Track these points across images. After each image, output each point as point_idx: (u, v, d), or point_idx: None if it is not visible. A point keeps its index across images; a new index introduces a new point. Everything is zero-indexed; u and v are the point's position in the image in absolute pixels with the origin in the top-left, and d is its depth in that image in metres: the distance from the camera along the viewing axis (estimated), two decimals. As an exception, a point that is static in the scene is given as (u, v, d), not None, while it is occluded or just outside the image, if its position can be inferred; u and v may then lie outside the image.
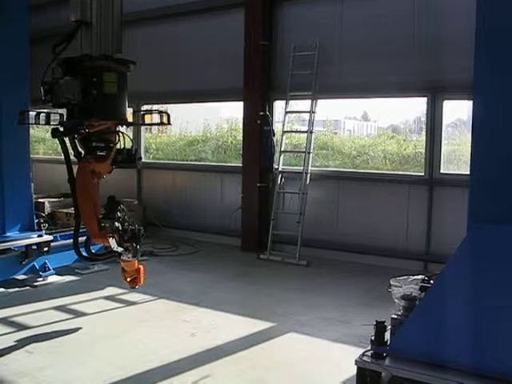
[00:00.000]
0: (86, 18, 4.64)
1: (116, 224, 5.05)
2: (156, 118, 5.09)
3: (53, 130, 4.80)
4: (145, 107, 12.05)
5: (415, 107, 9.56)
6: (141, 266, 5.86)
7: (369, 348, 3.62)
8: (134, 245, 5.30)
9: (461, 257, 3.75)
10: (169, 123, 5.12)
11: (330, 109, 10.62)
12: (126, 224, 5.17)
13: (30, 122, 4.94)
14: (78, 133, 4.69)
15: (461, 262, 3.74)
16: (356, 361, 3.58)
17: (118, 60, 4.76)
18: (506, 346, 3.29)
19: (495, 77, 3.93)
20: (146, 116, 5.15)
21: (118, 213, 5.12)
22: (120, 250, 5.27)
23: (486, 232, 3.78)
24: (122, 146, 5.08)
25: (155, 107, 11.02)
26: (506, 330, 3.41)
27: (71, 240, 7.78)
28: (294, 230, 9.06)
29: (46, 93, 4.58)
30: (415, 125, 10.29)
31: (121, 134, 5.14)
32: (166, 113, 5.00)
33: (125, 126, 5.41)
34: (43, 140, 14.74)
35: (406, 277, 4.06)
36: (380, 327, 3.59)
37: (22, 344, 5.26)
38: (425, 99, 8.44)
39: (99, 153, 4.93)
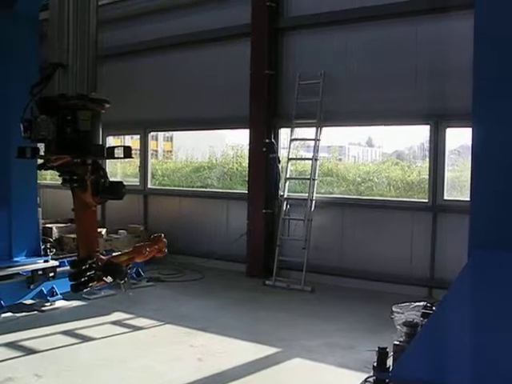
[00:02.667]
0: (63, 60, 4.88)
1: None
2: (120, 153, 5.22)
3: (38, 165, 5.14)
4: (152, 134, 12.32)
5: (420, 133, 9.66)
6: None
7: (371, 374, 3.69)
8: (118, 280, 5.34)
9: (461, 283, 3.82)
10: (130, 156, 5.28)
11: (335, 135, 10.76)
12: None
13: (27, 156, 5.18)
14: (47, 167, 4.99)
15: (461, 289, 3.80)
16: (359, 386, 3.64)
17: (92, 99, 4.97)
18: (508, 372, 3.35)
19: (494, 103, 4.03)
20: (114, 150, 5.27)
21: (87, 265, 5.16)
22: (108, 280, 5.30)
23: (487, 258, 3.85)
24: (103, 180, 5.21)
25: (155, 136, 11.17)
26: (508, 357, 3.47)
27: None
28: (299, 256, 9.14)
29: (25, 129, 4.87)
30: (420, 151, 10.41)
31: (99, 167, 5.26)
32: (128, 147, 5.18)
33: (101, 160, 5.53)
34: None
35: (407, 303, 4.14)
36: (382, 353, 3.66)
37: (30, 368, 5.33)
38: (428, 127, 8.57)
39: (74, 184, 5.11)
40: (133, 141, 13.24)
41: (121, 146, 5.04)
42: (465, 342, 3.61)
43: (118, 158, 5.04)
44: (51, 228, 10.90)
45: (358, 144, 15.02)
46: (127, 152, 5.05)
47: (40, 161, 5.35)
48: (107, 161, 9.85)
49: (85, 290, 5.13)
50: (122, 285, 5.42)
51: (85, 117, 4.83)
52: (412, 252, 8.62)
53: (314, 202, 9.32)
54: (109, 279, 5.09)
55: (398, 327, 3.96)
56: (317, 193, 9.43)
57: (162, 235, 5.69)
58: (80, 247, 5.24)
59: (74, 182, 5.03)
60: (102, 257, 5.02)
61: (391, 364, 3.74)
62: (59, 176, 5.22)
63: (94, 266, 4.96)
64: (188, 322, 6.96)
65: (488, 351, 3.55)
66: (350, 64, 9.12)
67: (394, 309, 4.12)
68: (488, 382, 3.38)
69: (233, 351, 6.00)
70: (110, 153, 5.01)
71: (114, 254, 5.46)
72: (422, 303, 4.12)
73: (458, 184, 8.93)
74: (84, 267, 4.95)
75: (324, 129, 9.50)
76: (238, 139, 12.79)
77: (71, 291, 5.24)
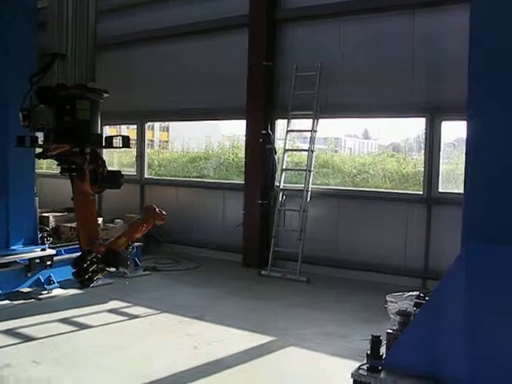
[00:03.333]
0: (62, 50, 4.91)
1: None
2: (119, 142, 5.26)
3: (36, 154, 5.24)
4: (149, 124, 12.35)
5: (416, 126, 9.72)
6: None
7: (365, 361, 3.75)
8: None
9: (454, 274, 3.90)
10: (128, 146, 5.31)
11: (331, 127, 10.80)
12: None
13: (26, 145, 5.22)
14: (45, 156, 5.02)
15: (454, 279, 3.88)
16: (352, 374, 3.70)
17: (91, 89, 5.01)
18: (498, 359, 3.44)
19: (489, 98, 4.09)
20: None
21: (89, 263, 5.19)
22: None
23: (480, 249, 3.91)
24: (101, 169, 5.24)
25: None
26: (497, 344, 3.55)
27: (75, 254, 8.02)
28: (294, 246, 9.21)
29: (24, 118, 4.90)
30: (416, 143, 10.47)
31: (97, 157, 5.29)
32: (126, 137, 5.21)
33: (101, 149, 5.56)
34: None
35: (401, 293, 4.19)
36: (376, 341, 3.72)
37: (29, 354, 5.40)
38: (423, 119, 8.63)
39: (73, 173, 5.15)
40: (129, 130, 13.26)
41: (119, 136, 5.06)
42: (456, 331, 3.69)
43: (116, 147, 5.07)
44: (48, 217, 10.94)
45: (354, 136, 15.05)
46: (125, 142, 5.08)
47: (38, 150, 5.38)
48: (104, 150, 9.88)
49: (91, 285, 5.16)
50: (126, 270, 5.45)
51: (84, 106, 4.85)
52: (406, 243, 8.71)
53: (309, 193, 9.37)
54: (112, 269, 5.14)
55: (392, 316, 4.02)
56: (313, 184, 9.49)
57: (154, 206, 5.69)
58: (80, 236, 5.28)
59: (73, 171, 5.07)
60: (101, 248, 5.05)
61: (384, 352, 3.81)
62: (58, 165, 5.25)
63: (94, 260, 5.00)
64: (184, 310, 7.03)
65: (478, 340, 3.64)
66: (347, 56, 9.16)
67: (387, 298, 4.18)
68: (478, 369, 3.47)
69: (228, 339, 6.08)
70: (109, 142, 5.05)
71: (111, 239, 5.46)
72: (415, 293, 4.19)
73: (452, 177, 9.00)
74: (86, 264, 4.99)
75: (320, 120, 9.55)
76: (234, 130, 12.85)
77: (79, 287, 5.27)
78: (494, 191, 4.00)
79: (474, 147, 4.17)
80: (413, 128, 10.14)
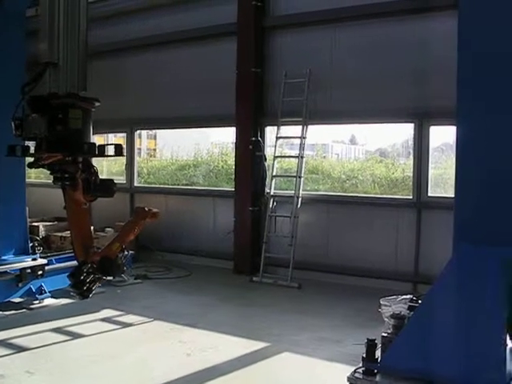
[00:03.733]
0: (54, 59, 4.92)
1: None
2: (111, 151, 5.27)
3: (29, 163, 5.18)
4: (138, 132, 12.36)
5: (403, 131, 9.82)
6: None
7: (360, 365, 3.79)
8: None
9: (446, 277, 3.94)
10: (122, 155, 5.32)
11: (318, 133, 10.86)
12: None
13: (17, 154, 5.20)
14: (38, 165, 5.01)
15: (446, 282, 3.93)
16: (348, 377, 3.74)
17: (83, 98, 5.03)
18: (490, 360, 3.48)
19: (477, 102, 4.15)
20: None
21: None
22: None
23: (471, 252, 3.96)
24: (93, 177, 5.24)
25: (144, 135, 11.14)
26: (488, 345, 3.60)
27: (66, 263, 8.01)
28: (285, 252, 9.24)
29: (16, 128, 4.90)
30: (403, 148, 10.55)
31: (90, 165, 5.30)
32: (119, 145, 5.22)
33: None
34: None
35: (395, 296, 4.24)
36: (371, 345, 3.76)
37: (22, 365, 5.37)
38: (412, 125, 8.71)
39: (66, 182, 5.15)
40: (116, 139, 13.24)
41: (112, 144, 5.07)
42: (449, 333, 3.74)
43: (109, 156, 5.08)
44: (38, 226, 10.90)
45: (341, 142, 15.14)
46: (119, 150, 5.09)
47: (30, 159, 5.36)
48: (93, 159, 9.87)
49: (91, 295, 5.15)
50: (124, 276, 5.42)
51: (76, 115, 4.86)
52: (397, 248, 8.76)
53: (300, 199, 9.42)
54: (109, 277, 5.15)
55: (386, 319, 4.06)
56: (302, 190, 9.54)
57: (145, 207, 5.69)
58: (75, 246, 5.27)
59: (66, 180, 5.07)
60: (95, 257, 5.04)
61: (380, 355, 3.85)
62: (50, 174, 5.24)
63: (90, 270, 4.99)
64: (176, 318, 7.02)
65: (471, 341, 3.68)
66: (335, 63, 9.23)
67: (381, 302, 4.22)
68: (471, 369, 3.51)
69: (222, 346, 6.08)
70: (102, 151, 5.05)
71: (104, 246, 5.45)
72: (408, 296, 4.23)
73: (441, 181, 9.09)
74: (82, 277, 4.98)
75: (309, 127, 9.60)
76: (223, 137, 12.87)
77: (79, 299, 5.24)
78: (483, 193, 4.06)
79: (462, 151, 4.23)
80: (400, 133, 10.24)
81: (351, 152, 14.46)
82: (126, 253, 5.41)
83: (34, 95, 4.91)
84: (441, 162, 9.44)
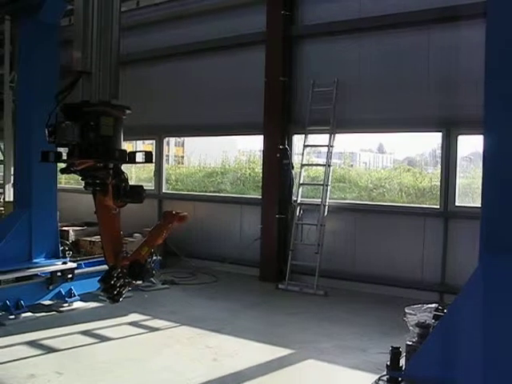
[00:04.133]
0: (87, 68, 5.07)
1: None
2: (140, 157, 5.38)
3: (61, 169, 5.32)
4: (166, 139, 12.53)
5: (431, 140, 9.78)
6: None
7: (384, 373, 3.81)
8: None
9: (472, 287, 3.95)
10: (151, 162, 5.43)
11: (346, 141, 10.88)
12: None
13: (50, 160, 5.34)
14: (70, 171, 5.14)
15: (472, 292, 3.93)
16: (372, 384, 3.77)
17: (114, 105, 5.15)
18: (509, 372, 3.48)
19: (506, 112, 4.15)
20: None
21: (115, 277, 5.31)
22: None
23: (497, 263, 3.96)
24: (124, 184, 5.35)
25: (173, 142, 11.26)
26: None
27: (95, 267, 8.18)
28: (311, 260, 9.27)
29: (50, 134, 5.03)
30: (431, 158, 10.52)
31: (120, 172, 5.41)
32: (149, 152, 5.33)
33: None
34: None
35: (420, 305, 4.26)
36: (395, 353, 3.79)
37: (52, 365, 5.51)
38: (440, 134, 8.68)
39: (97, 188, 5.27)
40: (144, 146, 13.44)
41: (142, 151, 5.19)
42: (474, 343, 3.74)
43: (139, 162, 5.19)
44: (68, 231, 11.11)
45: (368, 150, 15.11)
46: (149, 157, 5.21)
47: (62, 165, 5.50)
48: (123, 165, 10.05)
49: (121, 299, 5.27)
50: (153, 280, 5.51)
51: (108, 123, 4.99)
52: (423, 257, 8.72)
53: (326, 207, 9.44)
54: (138, 281, 5.26)
55: (411, 328, 4.09)
56: (329, 198, 9.56)
57: (173, 211, 5.82)
58: (105, 250, 5.39)
59: (96, 185, 5.19)
60: (125, 262, 5.15)
61: (404, 363, 3.87)
62: (81, 180, 5.38)
63: (120, 275, 5.11)
64: (203, 323, 7.10)
65: (496, 352, 3.67)
66: (363, 72, 9.26)
67: (406, 310, 4.25)
68: (495, 381, 3.51)
69: (247, 352, 6.14)
70: (132, 158, 5.17)
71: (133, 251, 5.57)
72: (433, 305, 4.25)
73: (469, 190, 9.03)
74: (112, 281, 5.10)
75: (339, 135, 9.64)
76: (251, 145, 12.98)
77: (110, 303, 5.37)
78: (508, 204, 4.06)
79: (489, 160, 4.23)
80: (428, 142, 10.20)
81: (379, 161, 14.43)
82: (154, 257, 5.53)
83: (68, 103, 5.06)
84: (469, 171, 9.38)
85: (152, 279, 5.66)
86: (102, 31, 5.25)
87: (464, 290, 4.00)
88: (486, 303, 3.87)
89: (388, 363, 3.81)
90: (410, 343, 4.00)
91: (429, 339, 3.90)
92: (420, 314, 4.16)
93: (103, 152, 5.01)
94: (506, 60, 4.03)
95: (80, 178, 5.45)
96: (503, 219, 4.00)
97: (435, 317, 4.15)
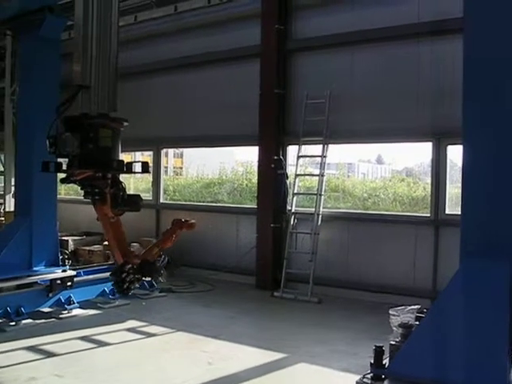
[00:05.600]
0: (86, 82, 5.29)
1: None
2: (138, 168, 5.62)
3: (61, 179, 5.55)
4: (165, 151, 12.74)
5: (429, 150, 9.94)
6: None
7: (369, 371, 4.00)
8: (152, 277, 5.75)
9: (452, 289, 4.15)
10: (148, 172, 5.69)
11: (344, 152, 11.06)
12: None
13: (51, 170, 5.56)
14: (69, 181, 5.37)
15: (452, 292, 4.13)
16: (357, 382, 3.96)
17: (112, 118, 5.38)
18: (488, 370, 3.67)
19: (481, 127, 4.40)
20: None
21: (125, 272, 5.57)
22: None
23: (477, 266, 4.16)
24: (121, 193, 5.58)
25: (172, 153, 11.44)
26: (491, 355, 3.79)
27: (93, 275, 8.38)
28: (306, 268, 9.44)
29: (50, 145, 5.26)
30: (429, 168, 10.70)
31: (118, 181, 5.64)
32: (145, 163, 5.58)
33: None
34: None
35: (403, 307, 4.45)
36: (379, 351, 3.97)
37: (51, 369, 5.69)
38: (430, 144, 8.89)
39: (96, 197, 5.49)
40: (143, 157, 13.65)
41: (139, 162, 5.41)
42: (453, 342, 3.93)
43: (136, 172, 5.41)
44: (67, 240, 11.29)
45: (367, 161, 15.28)
46: (145, 167, 5.43)
47: (62, 175, 5.72)
48: (121, 176, 10.27)
49: (130, 293, 5.51)
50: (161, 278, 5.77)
51: (106, 134, 5.22)
52: (415, 264, 8.90)
53: (320, 216, 9.63)
54: (148, 278, 5.50)
55: (394, 328, 4.27)
56: (323, 207, 9.75)
57: (182, 218, 6.16)
58: (114, 253, 5.62)
59: (95, 194, 5.41)
60: (136, 260, 5.39)
61: (387, 362, 4.05)
62: (81, 189, 5.59)
63: (131, 271, 5.34)
64: (199, 329, 7.27)
65: (474, 350, 3.86)
66: (355, 84, 9.49)
67: (390, 312, 4.43)
68: (473, 378, 3.70)
69: (241, 356, 6.32)
70: (129, 168, 5.39)
71: (144, 250, 5.87)
72: (416, 306, 4.44)
73: (460, 199, 9.18)
74: (123, 275, 5.32)
75: (333, 146, 9.85)
76: (247, 156, 13.18)
77: (119, 295, 5.63)
78: (489, 209, 4.27)
79: (467, 168, 4.46)
80: (426, 153, 10.36)
81: (378, 171, 14.59)
82: (163, 257, 5.81)
83: (68, 115, 5.28)
84: (459, 180, 9.53)
85: (160, 278, 5.96)
86: (100, 46, 5.49)
87: (445, 291, 4.20)
88: (464, 303, 4.07)
89: (372, 361, 3.99)
90: (394, 343, 4.18)
91: (411, 338, 4.08)
92: (403, 315, 4.34)
93: (102, 162, 5.24)
94: (480, 74, 4.27)
95: (79, 187, 5.68)
96: (478, 225, 4.21)
97: (418, 318, 4.34)
